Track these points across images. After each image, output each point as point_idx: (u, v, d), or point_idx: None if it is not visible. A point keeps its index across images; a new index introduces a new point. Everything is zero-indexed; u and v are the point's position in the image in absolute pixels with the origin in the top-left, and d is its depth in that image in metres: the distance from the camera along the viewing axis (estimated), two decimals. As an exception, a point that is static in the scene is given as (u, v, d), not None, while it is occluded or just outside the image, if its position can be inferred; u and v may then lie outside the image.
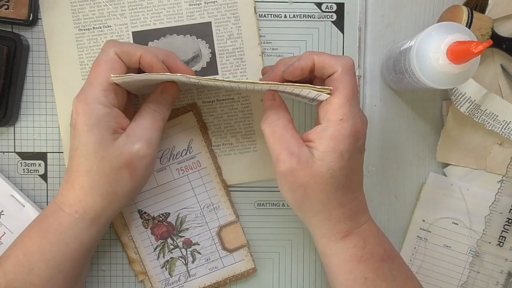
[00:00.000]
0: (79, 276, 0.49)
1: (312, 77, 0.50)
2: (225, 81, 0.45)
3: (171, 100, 0.51)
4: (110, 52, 0.47)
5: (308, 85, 0.45)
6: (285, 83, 0.46)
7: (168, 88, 0.50)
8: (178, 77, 0.46)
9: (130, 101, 0.52)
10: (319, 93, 0.45)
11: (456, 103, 0.54)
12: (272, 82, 0.46)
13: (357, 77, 0.57)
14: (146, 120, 0.48)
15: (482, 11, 0.54)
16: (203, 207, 0.56)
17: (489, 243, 0.58)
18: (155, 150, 0.48)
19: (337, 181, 0.44)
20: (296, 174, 0.44)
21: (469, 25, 0.51)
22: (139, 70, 0.50)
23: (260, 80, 0.53)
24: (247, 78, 0.56)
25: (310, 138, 0.45)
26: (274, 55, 0.57)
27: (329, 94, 0.45)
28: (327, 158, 0.43)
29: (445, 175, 0.58)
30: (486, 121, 0.55)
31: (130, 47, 0.48)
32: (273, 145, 0.46)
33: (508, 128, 0.55)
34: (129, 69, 0.49)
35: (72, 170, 0.46)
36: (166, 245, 0.57)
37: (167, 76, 0.47)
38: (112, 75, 0.46)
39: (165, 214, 0.56)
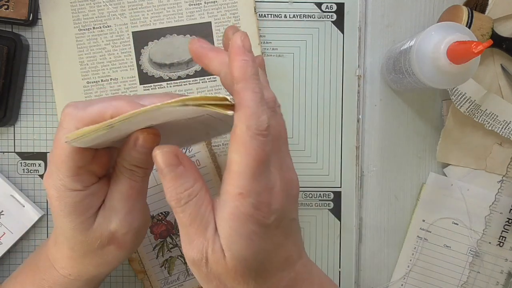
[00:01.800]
0: None
1: None
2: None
3: (150, 149, 0.37)
4: (71, 128, 0.37)
5: (199, 96, 0.33)
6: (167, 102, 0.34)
7: (142, 139, 0.38)
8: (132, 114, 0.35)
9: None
10: (219, 111, 0.34)
11: (456, 103, 0.54)
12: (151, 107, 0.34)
13: (357, 77, 0.57)
14: (122, 188, 0.40)
15: (482, 11, 0.54)
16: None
17: (489, 243, 0.58)
18: (140, 219, 0.41)
19: (253, 269, 0.35)
20: (209, 267, 0.35)
21: (469, 25, 0.51)
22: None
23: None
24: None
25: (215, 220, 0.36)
26: (274, 55, 0.57)
27: (231, 108, 0.34)
28: (234, 246, 0.34)
29: (445, 175, 0.58)
30: (486, 121, 0.55)
31: (93, 112, 0.37)
32: (188, 228, 0.35)
33: (508, 128, 0.55)
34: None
35: (57, 235, 0.41)
36: (165, 244, 0.57)
37: (129, 114, 0.35)
38: (66, 136, 0.36)
39: (164, 213, 0.56)
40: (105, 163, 0.41)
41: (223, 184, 0.35)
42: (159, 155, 0.35)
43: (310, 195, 0.57)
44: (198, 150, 0.56)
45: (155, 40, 0.55)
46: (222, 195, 0.35)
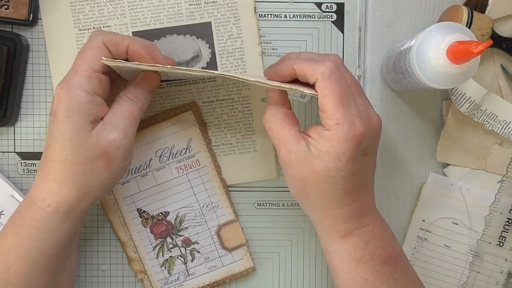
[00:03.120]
0: (62, 271, 0.48)
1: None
2: (214, 73, 0.45)
3: (150, 89, 0.49)
4: (97, 40, 0.46)
5: (296, 86, 0.45)
6: (272, 82, 0.46)
7: (148, 77, 0.49)
8: (169, 69, 0.46)
9: (114, 92, 0.51)
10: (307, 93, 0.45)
11: (456, 103, 0.54)
12: (260, 80, 0.45)
13: (357, 77, 0.57)
14: (124, 109, 0.47)
15: (482, 11, 0.54)
16: (202, 206, 0.56)
17: (489, 243, 0.58)
18: (131, 140, 0.47)
19: (334, 181, 0.44)
20: (295, 169, 0.45)
21: (469, 25, 0.51)
22: (126, 60, 0.49)
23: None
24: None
25: (310, 134, 0.45)
26: (274, 55, 0.57)
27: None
28: (323, 157, 0.43)
29: (445, 175, 0.58)
30: (486, 121, 0.55)
31: (117, 36, 0.47)
32: (273, 141, 0.47)
33: (508, 128, 0.55)
34: (116, 59, 0.48)
35: (47, 159, 0.45)
36: (165, 244, 0.57)
37: (159, 68, 0.47)
38: (103, 57, 0.45)
39: (164, 213, 0.56)
40: (106, 88, 0.47)
41: (322, 122, 0.44)
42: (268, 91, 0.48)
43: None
44: (198, 150, 0.56)
45: (155, 40, 0.55)
46: (325, 126, 0.44)
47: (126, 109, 0.47)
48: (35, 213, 0.45)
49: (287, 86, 0.45)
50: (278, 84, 0.46)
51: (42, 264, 0.45)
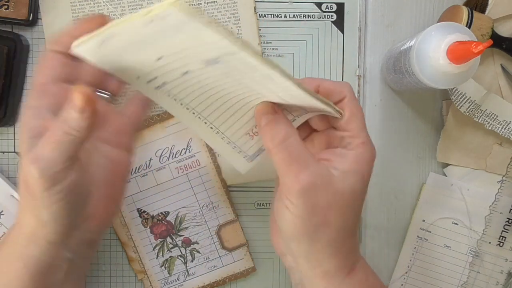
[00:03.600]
0: None
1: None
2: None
3: (79, 111, 0.38)
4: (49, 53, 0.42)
5: (326, 101, 0.41)
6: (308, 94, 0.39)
7: (73, 96, 0.38)
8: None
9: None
10: (332, 110, 0.42)
11: (456, 103, 0.54)
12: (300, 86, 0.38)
13: (357, 77, 0.57)
14: (49, 131, 0.40)
15: (482, 11, 0.54)
16: (202, 206, 0.56)
17: (489, 243, 0.58)
18: (50, 167, 0.39)
19: (355, 205, 0.41)
20: (318, 195, 0.39)
21: (469, 25, 0.51)
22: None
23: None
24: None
25: (326, 157, 0.42)
26: (274, 55, 0.57)
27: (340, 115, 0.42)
28: (349, 178, 0.40)
29: (445, 175, 0.58)
30: (486, 121, 0.55)
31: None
32: (289, 165, 0.39)
33: (508, 128, 0.55)
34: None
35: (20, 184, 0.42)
36: (165, 244, 0.57)
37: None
38: (74, 43, 0.39)
39: (164, 213, 0.56)
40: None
41: (343, 139, 0.42)
42: (259, 107, 0.42)
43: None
44: (198, 150, 0.56)
45: (155, 40, 0.55)
46: (346, 146, 0.42)
47: (50, 130, 0.40)
48: (12, 233, 0.43)
49: (321, 99, 0.40)
50: (318, 97, 0.40)
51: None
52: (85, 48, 0.39)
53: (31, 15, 0.53)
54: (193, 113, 0.44)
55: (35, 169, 0.38)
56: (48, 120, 0.40)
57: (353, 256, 0.42)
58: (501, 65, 0.56)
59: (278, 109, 0.41)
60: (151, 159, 0.56)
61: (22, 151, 0.40)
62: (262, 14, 0.56)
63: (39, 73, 0.42)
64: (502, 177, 0.57)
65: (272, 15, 0.56)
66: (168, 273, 0.57)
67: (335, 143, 0.43)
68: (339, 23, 0.57)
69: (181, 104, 0.44)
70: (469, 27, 0.51)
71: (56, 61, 0.42)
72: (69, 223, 0.42)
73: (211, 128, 0.45)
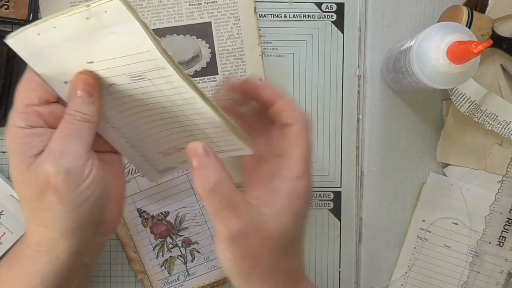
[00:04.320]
0: None
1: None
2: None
3: (87, 94, 0.40)
4: (29, 71, 0.41)
5: (236, 127, 0.41)
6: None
7: (77, 80, 0.40)
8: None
9: None
10: (242, 148, 0.41)
11: (456, 103, 0.54)
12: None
13: (357, 77, 0.57)
14: (59, 129, 0.40)
15: (482, 11, 0.54)
16: (202, 206, 0.56)
17: (489, 243, 0.58)
18: (74, 161, 0.39)
19: (287, 244, 0.40)
20: (248, 239, 0.38)
21: (469, 25, 0.51)
22: None
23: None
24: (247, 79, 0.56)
25: (256, 195, 0.40)
26: (274, 55, 0.57)
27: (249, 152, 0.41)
28: (281, 218, 0.39)
29: (445, 175, 0.58)
30: (486, 121, 0.55)
31: None
32: (219, 211, 0.38)
33: (508, 128, 0.55)
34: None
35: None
36: (165, 244, 0.57)
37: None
38: (11, 34, 0.39)
39: (164, 213, 0.56)
40: (52, 116, 0.41)
41: (279, 170, 0.41)
42: (190, 146, 0.39)
43: (310, 195, 0.57)
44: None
45: (155, 40, 0.55)
46: (279, 177, 0.41)
47: (61, 127, 0.40)
48: (23, 250, 0.42)
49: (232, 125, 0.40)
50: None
51: None
52: (20, 38, 0.38)
53: (31, 15, 0.53)
54: (112, 127, 0.44)
55: (61, 169, 0.38)
56: (46, 134, 0.40)
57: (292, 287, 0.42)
58: (501, 65, 0.56)
59: (209, 150, 0.39)
60: (151, 159, 0.56)
61: (19, 171, 0.40)
62: (262, 14, 0.56)
63: (23, 96, 0.41)
64: (502, 177, 0.57)
65: (272, 15, 0.56)
66: (168, 273, 0.57)
67: (275, 173, 0.41)
68: (339, 23, 0.57)
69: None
70: (469, 27, 0.51)
71: (35, 83, 0.41)
72: (94, 227, 0.42)
73: (127, 142, 0.46)
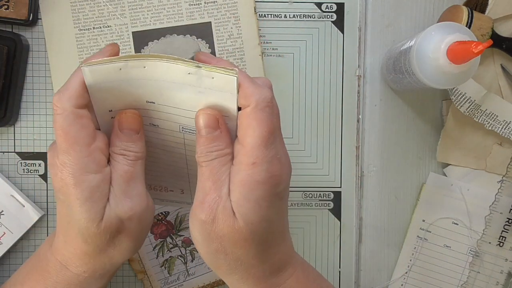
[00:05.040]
0: None
1: None
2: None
3: (135, 131, 0.41)
4: (67, 108, 0.38)
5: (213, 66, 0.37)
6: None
7: (123, 119, 0.40)
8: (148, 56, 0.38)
9: None
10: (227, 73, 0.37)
11: (456, 103, 0.54)
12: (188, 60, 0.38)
13: (357, 77, 0.57)
14: (117, 173, 0.39)
15: (482, 11, 0.54)
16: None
17: (489, 243, 0.58)
18: (142, 201, 0.40)
19: (257, 236, 0.38)
20: (216, 224, 0.38)
21: (469, 25, 0.51)
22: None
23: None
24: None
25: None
26: (274, 55, 0.57)
27: (235, 76, 0.37)
28: (242, 210, 0.37)
29: (445, 175, 0.58)
30: (486, 121, 0.55)
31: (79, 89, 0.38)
32: (205, 181, 0.38)
33: (508, 128, 0.55)
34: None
35: (68, 233, 0.40)
36: (165, 244, 0.57)
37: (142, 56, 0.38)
38: (83, 63, 0.37)
39: (164, 213, 0.56)
40: (107, 144, 0.41)
41: (236, 157, 0.38)
42: (202, 115, 0.39)
43: (310, 195, 0.57)
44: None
45: (155, 40, 0.55)
46: (236, 165, 0.38)
47: (119, 171, 0.40)
48: (70, 278, 0.41)
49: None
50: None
51: None
52: (99, 68, 0.37)
53: (31, 15, 0.53)
54: None
55: (133, 214, 0.39)
56: (109, 175, 0.39)
57: (267, 281, 0.40)
58: (501, 65, 0.56)
59: (222, 122, 0.39)
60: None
61: (91, 220, 0.38)
62: (262, 14, 0.56)
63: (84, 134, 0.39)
64: (502, 177, 0.57)
65: (272, 15, 0.56)
66: (168, 273, 0.57)
67: (234, 161, 0.39)
68: (339, 23, 0.57)
69: None
70: (469, 27, 0.51)
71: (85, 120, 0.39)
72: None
73: None
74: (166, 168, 0.46)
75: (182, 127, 0.41)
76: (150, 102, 0.40)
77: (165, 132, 0.42)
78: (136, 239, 0.41)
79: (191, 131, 0.41)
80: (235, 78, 0.37)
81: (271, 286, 0.41)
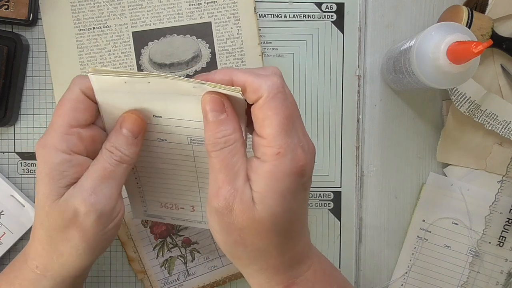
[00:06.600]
0: None
1: None
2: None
3: (132, 136, 0.40)
4: (75, 90, 0.39)
5: (218, 85, 0.38)
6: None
7: (127, 120, 0.40)
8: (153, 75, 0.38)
9: None
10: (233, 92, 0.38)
11: (456, 103, 0.54)
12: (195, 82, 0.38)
13: (357, 77, 0.57)
14: (96, 166, 0.39)
15: (482, 11, 0.54)
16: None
17: (489, 243, 0.58)
18: (107, 203, 0.39)
19: (279, 227, 0.38)
20: (234, 216, 0.37)
21: (469, 25, 0.51)
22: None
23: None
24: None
25: (247, 174, 0.38)
26: (274, 55, 0.57)
27: (238, 92, 0.37)
28: (267, 201, 0.36)
29: (445, 175, 0.58)
30: (486, 121, 0.55)
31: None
32: (217, 173, 0.37)
33: (508, 128, 0.55)
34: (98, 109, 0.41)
35: (35, 218, 0.40)
36: (165, 244, 0.57)
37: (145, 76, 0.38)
38: (90, 70, 0.38)
39: (164, 213, 0.56)
40: (92, 143, 0.40)
41: (258, 150, 0.37)
42: (207, 98, 0.38)
43: (310, 195, 0.57)
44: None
45: (155, 40, 0.55)
46: (260, 158, 0.37)
47: (99, 165, 0.39)
48: (26, 273, 0.41)
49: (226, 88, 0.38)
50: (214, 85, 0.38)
51: None
52: (104, 78, 0.38)
53: (31, 15, 0.53)
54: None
55: (92, 210, 0.38)
56: (83, 164, 0.39)
57: (286, 273, 0.40)
58: (501, 65, 0.56)
59: (228, 105, 0.38)
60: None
61: (47, 199, 0.38)
62: (262, 14, 0.56)
63: (69, 116, 0.39)
64: (502, 177, 0.57)
65: (272, 15, 0.56)
66: (168, 273, 0.57)
67: (254, 151, 0.38)
68: (339, 23, 0.57)
69: None
70: (469, 27, 0.51)
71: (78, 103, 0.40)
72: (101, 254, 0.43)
73: (135, 178, 0.46)
74: (176, 184, 0.46)
75: (190, 139, 0.41)
76: (157, 117, 0.40)
77: (174, 146, 0.42)
78: (89, 241, 0.39)
79: (199, 141, 0.41)
80: (239, 93, 0.37)
81: (290, 278, 0.40)
